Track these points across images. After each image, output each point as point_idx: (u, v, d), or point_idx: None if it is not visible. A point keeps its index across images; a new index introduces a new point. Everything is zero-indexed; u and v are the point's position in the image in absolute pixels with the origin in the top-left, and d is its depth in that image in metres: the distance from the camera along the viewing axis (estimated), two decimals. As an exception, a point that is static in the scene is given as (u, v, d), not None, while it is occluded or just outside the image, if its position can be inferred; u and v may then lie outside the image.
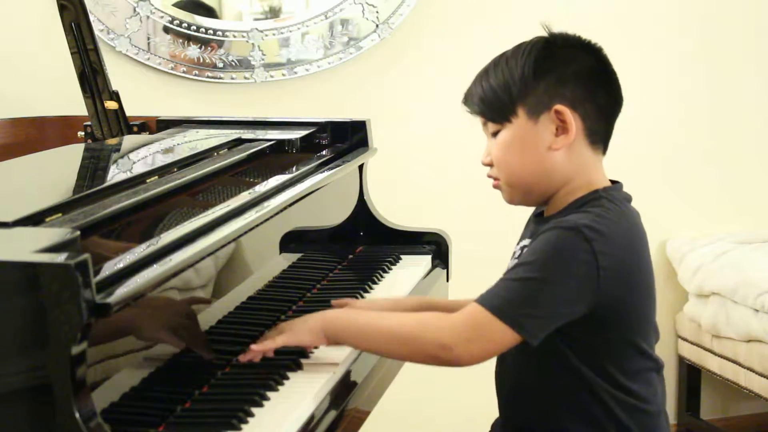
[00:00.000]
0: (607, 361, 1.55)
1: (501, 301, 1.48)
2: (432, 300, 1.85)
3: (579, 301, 1.49)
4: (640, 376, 1.57)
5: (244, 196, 1.72)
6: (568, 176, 1.58)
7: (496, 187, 1.63)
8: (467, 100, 1.63)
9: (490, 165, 1.62)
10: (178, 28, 2.80)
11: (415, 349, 1.52)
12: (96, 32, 2.27)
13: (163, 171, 1.76)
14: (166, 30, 2.78)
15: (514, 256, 1.63)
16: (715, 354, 3.06)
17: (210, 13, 2.87)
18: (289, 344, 1.57)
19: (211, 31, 2.82)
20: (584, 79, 1.57)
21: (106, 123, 2.24)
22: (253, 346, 1.56)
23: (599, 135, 1.59)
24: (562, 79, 1.56)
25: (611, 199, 1.57)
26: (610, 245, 1.50)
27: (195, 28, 2.81)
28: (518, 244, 1.66)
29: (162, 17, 2.78)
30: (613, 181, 1.62)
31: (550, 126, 1.56)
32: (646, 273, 1.58)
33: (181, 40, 2.80)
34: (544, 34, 1.61)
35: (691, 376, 3.25)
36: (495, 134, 1.60)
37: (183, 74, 2.81)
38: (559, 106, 1.55)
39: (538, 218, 1.65)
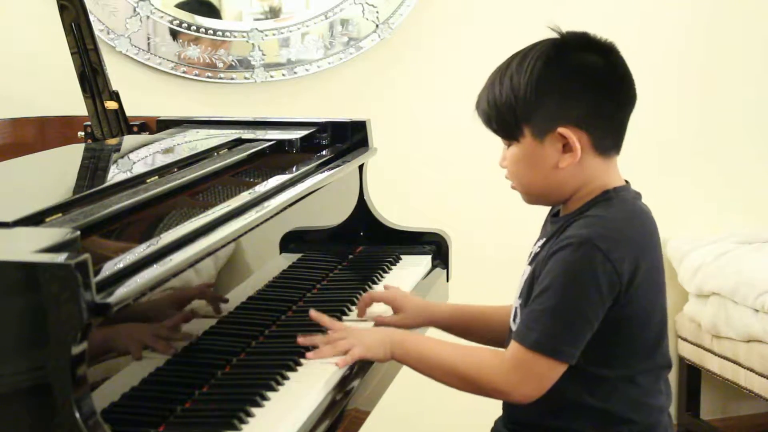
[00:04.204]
0: (614, 359, 1.56)
1: (538, 335, 1.51)
2: (477, 309, 1.85)
3: (605, 308, 1.51)
4: (648, 373, 1.59)
5: (244, 196, 1.72)
6: (580, 184, 1.58)
7: (513, 188, 1.64)
8: (477, 108, 1.62)
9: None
10: (178, 29, 2.80)
11: (473, 388, 1.58)
12: (96, 32, 2.27)
13: (163, 171, 1.76)
14: (167, 31, 2.78)
15: (532, 255, 1.64)
16: (715, 354, 3.06)
17: (213, 11, 2.86)
18: (363, 358, 1.61)
19: (211, 31, 2.82)
20: (589, 93, 1.55)
21: (106, 123, 2.24)
22: (338, 361, 1.58)
23: (610, 142, 1.58)
24: (565, 98, 1.54)
25: (621, 198, 1.58)
26: (625, 248, 1.51)
27: (195, 28, 2.81)
28: (536, 243, 1.66)
29: (162, 17, 2.78)
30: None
31: (556, 145, 1.55)
32: (659, 269, 1.59)
33: (181, 41, 2.80)
34: (553, 35, 1.59)
35: (691, 376, 3.25)
36: (508, 145, 1.61)
37: (183, 74, 2.81)
38: (562, 129, 1.53)
39: (554, 218, 1.65)
